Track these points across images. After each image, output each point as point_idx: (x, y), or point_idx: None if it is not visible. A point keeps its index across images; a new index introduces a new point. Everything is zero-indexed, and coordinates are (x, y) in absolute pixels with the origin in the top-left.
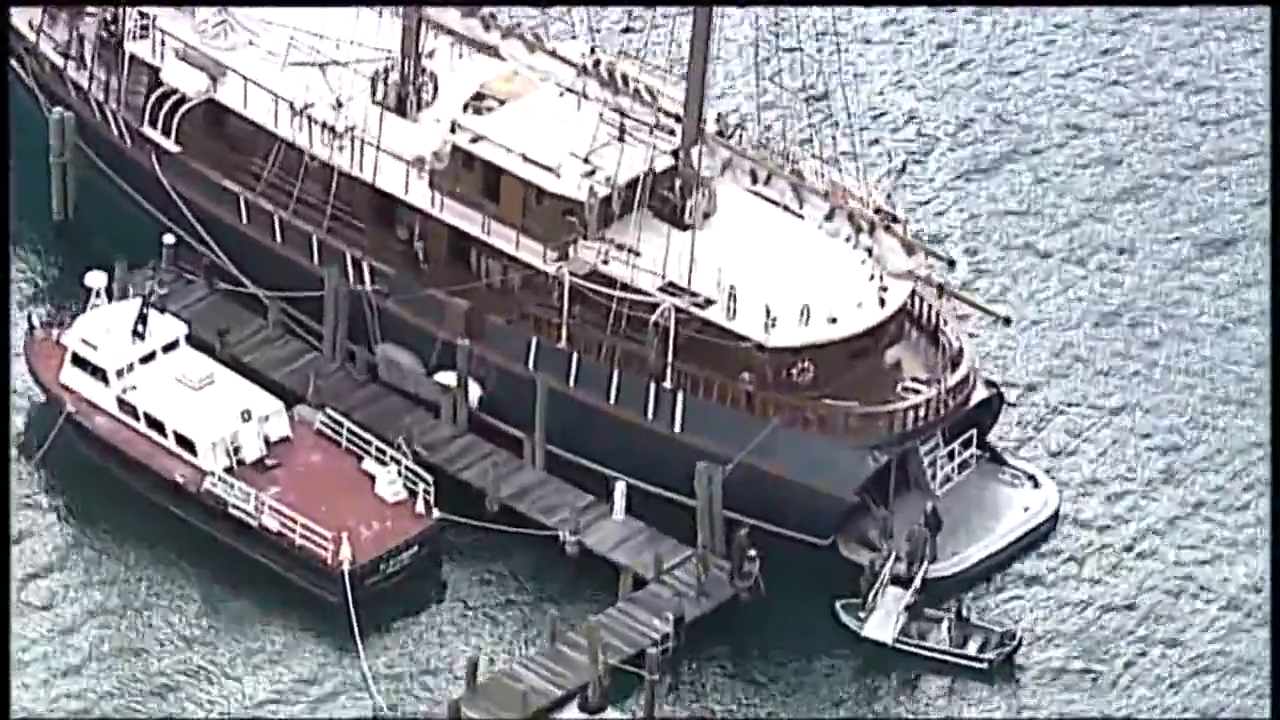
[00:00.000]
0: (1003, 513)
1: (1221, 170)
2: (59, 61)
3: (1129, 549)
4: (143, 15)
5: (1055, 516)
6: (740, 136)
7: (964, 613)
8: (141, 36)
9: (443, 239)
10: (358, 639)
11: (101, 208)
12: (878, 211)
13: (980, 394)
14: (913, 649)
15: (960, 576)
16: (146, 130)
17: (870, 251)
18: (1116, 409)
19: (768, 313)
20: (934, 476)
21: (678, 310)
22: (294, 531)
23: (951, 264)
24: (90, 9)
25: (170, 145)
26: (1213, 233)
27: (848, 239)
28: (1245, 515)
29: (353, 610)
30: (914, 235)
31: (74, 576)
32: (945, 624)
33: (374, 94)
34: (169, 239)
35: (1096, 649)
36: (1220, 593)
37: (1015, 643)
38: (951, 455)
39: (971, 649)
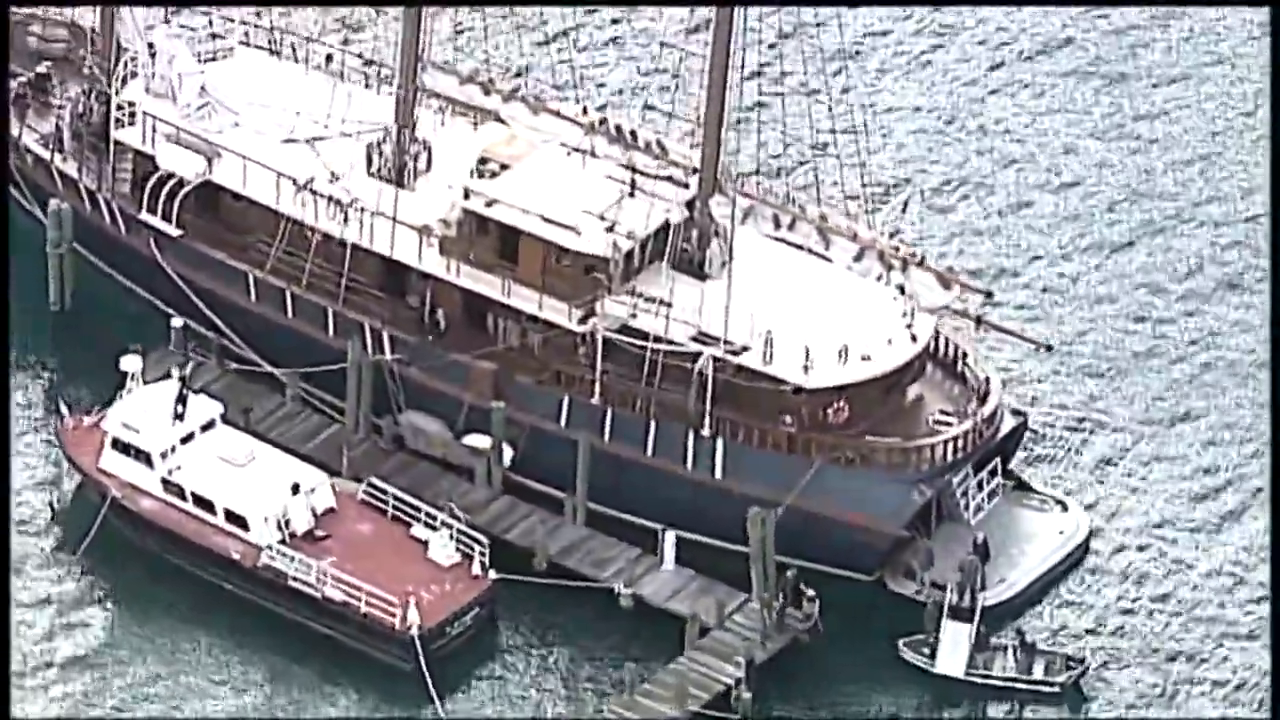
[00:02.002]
0: (1038, 538)
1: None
2: (44, 154)
3: (1165, 564)
4: (127, 105)
5: (1088, 538)
6: (757, 185)
7: (1026, 638)
8: (129, 123)
9: (457, 304)
10: (437, 701)
11: (97, 297)
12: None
13: (1010, 423)
14: (985, 680)
15: (1011, 603)
16: (145, 216)
17: (902, 289)
18: (1131, 430)
19: (806, 355)
20: (966, 507)
21: (714, 358)
22: (359, 600)
23: (989, 295)
24: (60, 100)
25: (171, 230)
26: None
27: (879, 277)
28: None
29: (426, 669)
30: (947, 269)
31: (132, 662)
32: (1009, 651)
33: (369, 166)
34: (177, 322)
35: (1154, 660)
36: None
37: (1084, 665)
38: (980, 485)
39: (1038, 673)
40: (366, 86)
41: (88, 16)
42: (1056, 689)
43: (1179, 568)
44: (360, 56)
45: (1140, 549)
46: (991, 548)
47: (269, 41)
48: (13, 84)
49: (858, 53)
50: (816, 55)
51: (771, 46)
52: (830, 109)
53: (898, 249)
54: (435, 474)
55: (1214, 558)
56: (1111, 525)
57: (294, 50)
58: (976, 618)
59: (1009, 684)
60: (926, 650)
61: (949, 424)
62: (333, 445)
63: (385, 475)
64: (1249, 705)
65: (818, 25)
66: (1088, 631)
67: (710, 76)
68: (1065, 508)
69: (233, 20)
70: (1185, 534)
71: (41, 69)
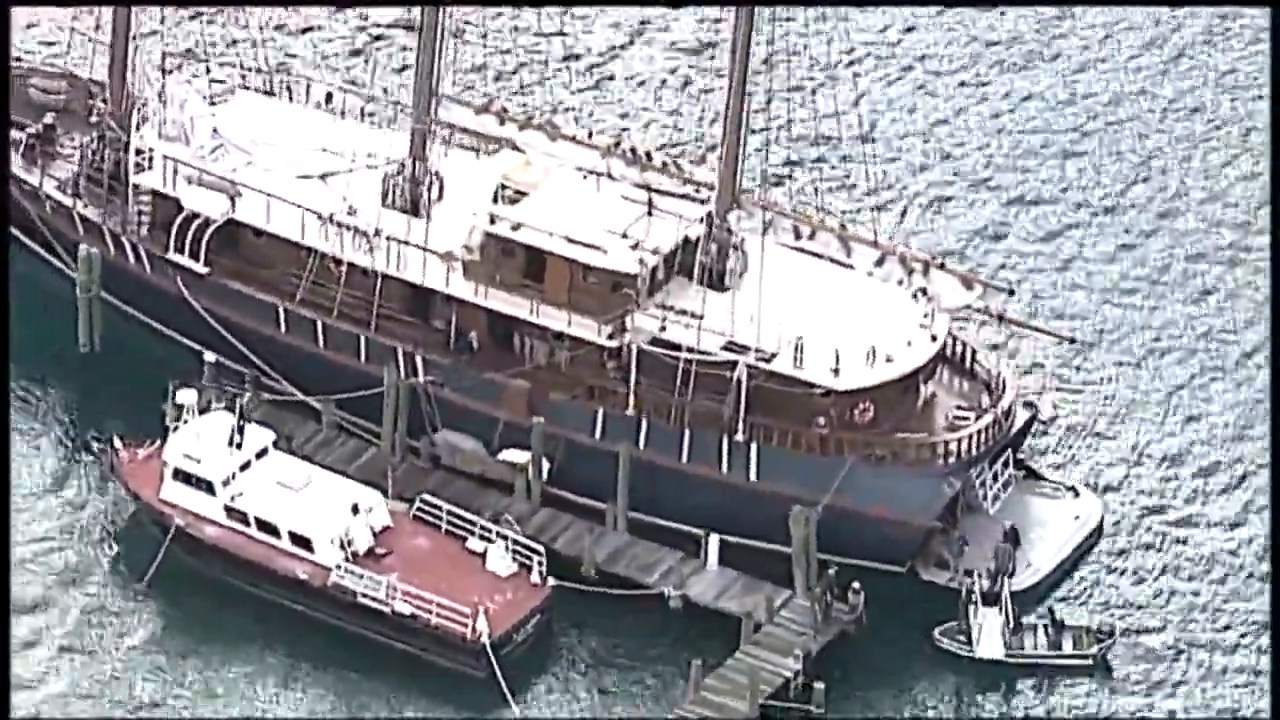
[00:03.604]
0: (1056, 523)
1: None
2: (66, 201)
3: (1177, 541)
4: (148, 150)
5: (1102, 522)
6: (765, 196)
7: (1055, 616)
8: (148, 168)
9: (483, 325)
10: (513, 705)
11: (121, 338)
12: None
13: (1024, 415)
14: (1023, 659)
15: (1039, 586)
16: (173, 256)
17: (924, 291)
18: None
19: (835, 358)
20: (985, 497)
21: (748, 366)
22: (430, 612)
23: (1011, 292)
24: (70, 149)
25: (199, 268)
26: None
27: (900, 282)
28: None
29: (500, 675)
30: (969, 269)
31: (210, 684)
32: (1040, 630)
33: (385, 197)
34: (210, 357)
35: (1177, 631)
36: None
37: (1111, 637)
38: (995, 476)
39: (1067, 648)
40: (369, 122)
41: (84, 69)
42: (1089, 661)
43: (1185, 545)
44: (362, 91)
45: (1149, 530)
46: (1008, 534)
47: (266, 83)
48: (21, 135)
49: (855, 60)
50: (814, 64)
51: (765, 62)
52: (838, 115)
53: (918, 253)
54: (474, 490)
55: (1217, 534)
56: (1121, 509)
57: (290, 91)
58: (1008, 601)
59: (1046, 661)
60: (962, 637)
61: (967, 419)
62: (373, 467)
63: (426, 493)
64: (1250, 650)
65: (812, 35)
66: (1111, 605)
67: (729, 90)
68: (1077, 493)
69: (231, 64)
70: (1190, 513)
71: (48, 119)
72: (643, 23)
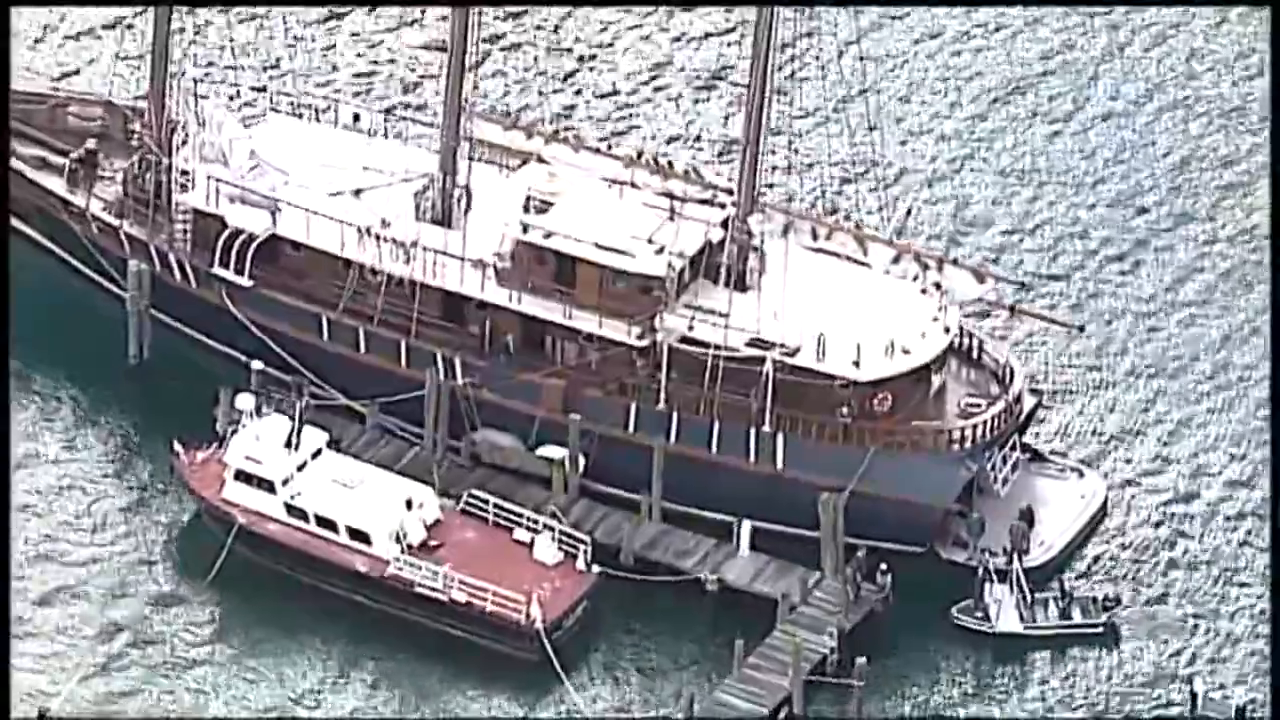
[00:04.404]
0: (1064, 502)
1: None
2: (113, 221)
3: (1178, 516)
4: (184, 172)
5: (1107, 499)
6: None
7: (1065, 588)
8: (191, 187)
9: (516, 329)
10: (568, 685)
11: (166, 350)
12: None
13: (1031, 401)
14: (1038, 631)
15: (1053, 562)
16: (218, 270)
17: (938, 286)
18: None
19: (857, 352)
20: (996, 480)
21: (774, 360)
22: (485, 599)
23: (1023, 285)
24: (111, 172)
25: (244, 281)
26: None
27: (915, 278)
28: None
29: (554, 658)
30: (980, 264)
31: (278, 669)
32: (1051, 603)
33: (418, 211)
34: (257, 365)
35: (1175, 595)
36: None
37: (1119, 604)
38: (1004, 459)
39: (1077, 618)
40: (396, 140)
41: (123, 95)
42: (1100, 628)
43: (1187, 521)
44: (389, 110)
45: (1153, 506)
46: (1022, 513)
47: (295, 106)
48: (64, 160)
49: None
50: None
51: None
52: (849, 129)
53: (932, 250)
54: (513, 484)
55: (1218, 511)
56: (1124, 488)
57: (317, 113)
58: (1022, 577)
59: (1060, 631)
60: (980, 614)
61: (979, 406)
62: (418, 465)
63: (470, 488)
64: (1250, 586)
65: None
66: (1119, 577)
67: (748, 95)
68: (1081, 474)
69: (260, 90)
70: (1191, 490)
71: (90, 145)
72: (662, 28)
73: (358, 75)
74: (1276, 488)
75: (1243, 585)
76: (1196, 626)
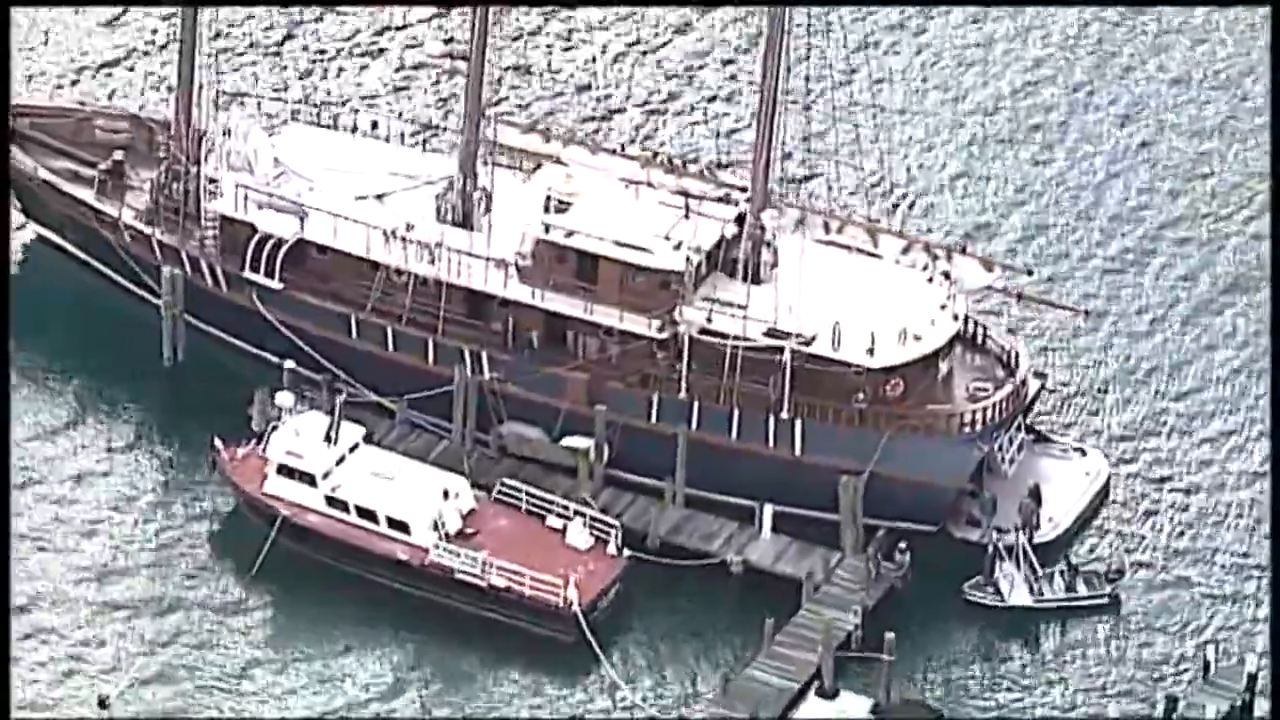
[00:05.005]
0: (1069, 480)
1: None
2: (145, 229)
3: (1180, 491)
4: (213, 180)
5: (1110, 477)
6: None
7: (1070, 562)
8: (220, 195)
9: (538, 325)
10: (606, 664)
11: (198, 352)
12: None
13: (1035, 384)
14: (1047, 604)
15: (1061, 538)
16: (248, 274)
17: (947, 275)
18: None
19: (871, 339)
20: (1003, 460)
21: (792, 349)
22: (523, 584)
23: (1030, 273)
24: (139, 183)
25: (275, 284)
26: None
27: (925, 267)
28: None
29: (591, 638)
30: (988, 254)
31: (325, 656)
32: (1057, 576)
33: (439, 213)
34: (289, 364)
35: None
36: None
37: (1122, 575)
38: (1010, 440)
39: (1082, 590)
40: (418, 144)
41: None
42: (1106, 599)
43: (1187, 496)
44: (407, 117)
45: (1153, 482)
46: (1030, 491)
47: (314, 115)
48: (92, 172)
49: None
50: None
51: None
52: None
53: (941, 240)
54: (540, 474)
55: (1218, 487)
56: (1125, 466)
57: (334, 121)
58: (1030, 553)
59: (1069, 604)
60: (991, 589)
61: (987, 390)
62: (448, 457)
63: (499, 478)
64: (1252, 542)
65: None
66: (1127, 551)
67: (761, 92)
68: (1084, 453)
69: (282, 100)
70: (1192, 466)
71: (117, 156)
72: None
73: (375, 83)
74: (1276, 456)
75: (1245, 555)
76: (1202, 596)
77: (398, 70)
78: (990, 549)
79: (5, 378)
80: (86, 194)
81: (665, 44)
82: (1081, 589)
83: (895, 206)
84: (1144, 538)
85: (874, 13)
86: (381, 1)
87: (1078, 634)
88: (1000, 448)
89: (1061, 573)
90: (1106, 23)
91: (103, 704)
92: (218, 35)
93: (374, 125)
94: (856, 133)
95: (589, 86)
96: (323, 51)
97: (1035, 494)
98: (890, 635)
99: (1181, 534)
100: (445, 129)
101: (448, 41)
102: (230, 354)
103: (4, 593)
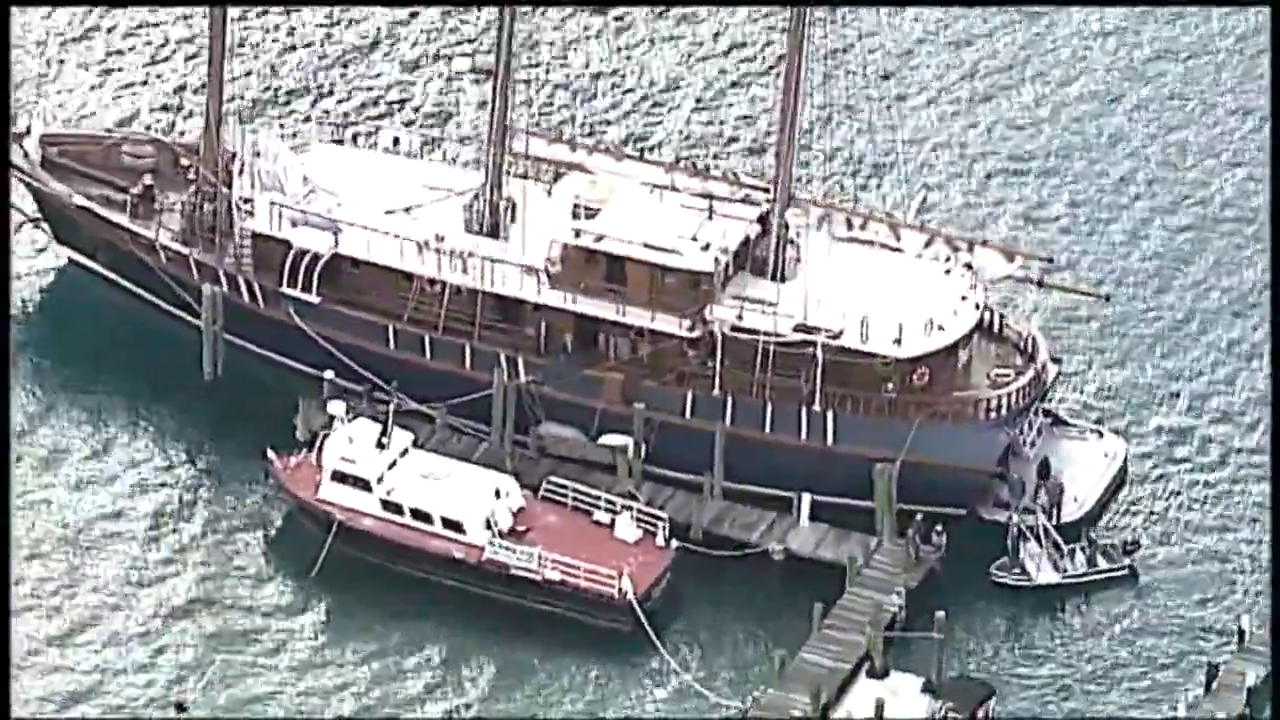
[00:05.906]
0: (1090, 461)
1: None
2: (183, 250)
3: (1194, 469)
4: (247, 200)
5: (1128, 457)
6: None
7: (1090, 537)
8: (253, 214)
9: (570, 328)
10: (664, 652)
11: (237, 367)
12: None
13: (1053, 370)
14: (1072, 580)
15: (1086, 517)
16: (286, 289)
17: (969, 266)
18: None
19: (898, 330)
20: (1025, 443)
21: (822, 343)
22: (577, 576)
23: (1050, 260)
24: (169, 205)
25: (312, 298)
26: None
27: (947, 259)
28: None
29: (649, 627)
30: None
31: (390, 653)
32: (1078, 551)
33: (467, 224)
34: (329, 374)
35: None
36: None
37: (1139, 547)
38: (1031, 424)
39: (1102, 564)
40: (435, 159)
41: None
42: (1125, 570)
43: (1201, 472)
44: (432, 131)
45: (1168, 461)
46: (1056, 472)
47: (338, 132)
48: (124, 196)
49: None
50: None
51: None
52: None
53: (963, 233)
54: (580, 472)
55: (1225, 466)
56: (1141, 445)
57: (355, 139)
58: (1051, 532)
59: (1092, 578)
60: (1017, 570)
61: (1008, 376)
62: (490, 458)
63: (542, 477)
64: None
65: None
66: (1148, 526)
67: (784, 91)
68: (1101, 435)
69: (306, 119)
70: (1204, 444)
71: (147, 180)
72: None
73: (399, 100)
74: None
75: (1254, 521)
76: (1221, 568)
77: (413, 74)
78: (1014, 531)
79: (5, 378)
80: (122, 218)
81: (692, 44)
82: (1101, 563)
83: (923, 201)
84: (1161, 513)
85: (896, 12)
86: (409, 2)
87: (1102, 607)
88: (1022, 432)
89: (1082, 548)
90: (1112, 22)
91: (181, 708)
92: (242, 43)
93: (395, 142)
94: (876, 128)
95: (603, 92)
96: (347, 66)
97: (1043, 469)
98: (940, 614)
99: (1195, 507)
100: (469, 140)
101: (473, 55)
102: (269, 368)
103: (4, 593)
